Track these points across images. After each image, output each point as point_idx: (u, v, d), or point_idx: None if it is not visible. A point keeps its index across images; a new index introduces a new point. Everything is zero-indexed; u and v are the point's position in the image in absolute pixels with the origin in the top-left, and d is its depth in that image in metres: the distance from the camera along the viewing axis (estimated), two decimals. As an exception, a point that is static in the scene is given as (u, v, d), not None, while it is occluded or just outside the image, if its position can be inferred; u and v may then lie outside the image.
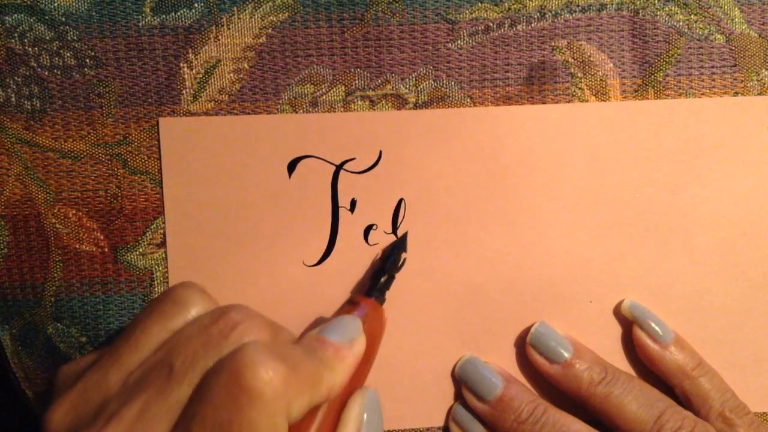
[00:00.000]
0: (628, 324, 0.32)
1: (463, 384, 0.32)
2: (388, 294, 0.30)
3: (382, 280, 0.30)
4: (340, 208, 0.32)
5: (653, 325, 0.31)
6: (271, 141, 0.32)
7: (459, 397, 0.32)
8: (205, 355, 0.24)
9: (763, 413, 0.33)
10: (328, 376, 0.25)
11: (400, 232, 0.32)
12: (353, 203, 0.32)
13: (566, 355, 0.31)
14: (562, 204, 0.32)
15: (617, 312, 0.33)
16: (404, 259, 0.32)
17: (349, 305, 0.29)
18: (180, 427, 0.23)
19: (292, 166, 0.32)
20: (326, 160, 0.32)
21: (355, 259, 0.32)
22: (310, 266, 0.32)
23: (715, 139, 0.33)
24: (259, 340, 0.24)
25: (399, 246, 0.32)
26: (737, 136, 0.33)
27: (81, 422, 0.24)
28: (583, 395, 0.30)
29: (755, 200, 0.33)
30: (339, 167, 0.32)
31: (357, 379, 0.27)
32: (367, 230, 0.32)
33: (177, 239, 0.32)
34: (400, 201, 0.32)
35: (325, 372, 0.25)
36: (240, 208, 0.32)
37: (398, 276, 0.32)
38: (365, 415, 0.27)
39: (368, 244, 0.32)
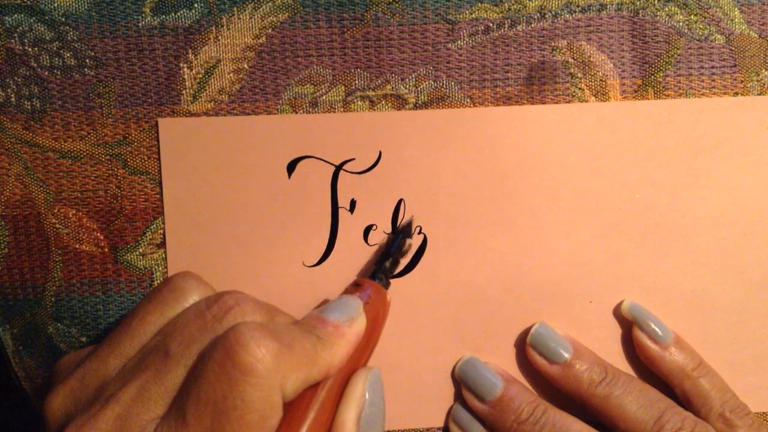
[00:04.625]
0: (628, 324, 0.32)
1: (463, 384, 0.32)
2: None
3: (387, 263, 0.30)
4: (339, 209, 0.32)
5: (653, 325, 0.31)
6: (270, 141, 0.32)
7: (459, 397, 0.32)
8: (200, 337, 0.24)
9: (764, 413, 0.33)
10: (325, 354, 0.25)
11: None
12: (353, 203, 0.32)
13: (566, 355, 0.31)
14: (562, 204, 0.32)
15: (617, 312, 0.33)
16: (410, 245, 0.32)
17: (353, 287, 0.29)
18: (176, 407, 0.23)
19: (291, 167, 0.32)
20: (326, 161, 0.32)
21: (354, 259, 0.32)
22: (309, 266, 0.32)
23: (715, 139, 0.32)
24: (253, 321, 0.25)
25: (404, 231, 0.31)
26: (737, 136, 0.33)
27: (79, 407, 0.25)
28: (583, 396, 0.30)
29: (755, 200, 0.33)
30: (339, 168, 0.32)
31: (359, 360, 0.27)
32: (367, 230, 0.32)
33: (177, 239, 0.32)
34: (400, 201, 0.32)
35: (322, 349, 0.25)
36: (240, 208, 0.32)
37: (398, 277, 0.32)
38: (368, 395, 0.27)
39: (368, 244, 0.32)
